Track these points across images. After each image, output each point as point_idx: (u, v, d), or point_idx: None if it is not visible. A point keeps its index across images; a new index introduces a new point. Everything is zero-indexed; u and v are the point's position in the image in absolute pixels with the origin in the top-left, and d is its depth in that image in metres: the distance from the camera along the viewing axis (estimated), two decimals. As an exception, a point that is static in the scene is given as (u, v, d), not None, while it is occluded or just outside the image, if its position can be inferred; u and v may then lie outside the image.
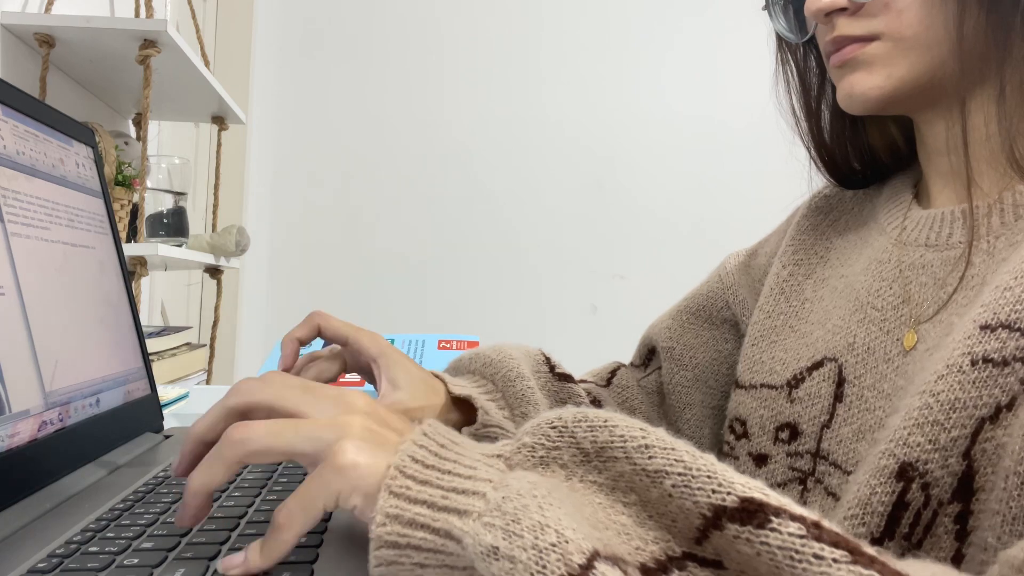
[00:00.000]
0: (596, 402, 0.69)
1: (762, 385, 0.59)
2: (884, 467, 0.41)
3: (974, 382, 0.40)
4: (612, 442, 0.31)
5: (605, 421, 0.32)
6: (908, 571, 0.25)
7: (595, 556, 0.26)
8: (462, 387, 0.58)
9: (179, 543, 0.38)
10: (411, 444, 0.33)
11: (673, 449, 0.29)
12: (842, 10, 0.51)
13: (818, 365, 0.55)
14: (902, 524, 0.41)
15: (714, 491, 0.28)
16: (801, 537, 0.26)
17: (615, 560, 0.27)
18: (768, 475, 0.56)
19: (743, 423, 0.60)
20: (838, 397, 0.52)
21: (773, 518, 0.26)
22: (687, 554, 0.29)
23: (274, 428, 0.34)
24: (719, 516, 0.27)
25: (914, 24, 0.48)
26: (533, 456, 0.33)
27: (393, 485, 0.31)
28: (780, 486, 0.55)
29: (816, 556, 0.25)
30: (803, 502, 0.53)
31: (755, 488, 0.27)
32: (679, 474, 0.29)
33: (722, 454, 0.63)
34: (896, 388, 0.48)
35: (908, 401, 0.43)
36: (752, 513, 0.27)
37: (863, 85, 0.51)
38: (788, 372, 0.57)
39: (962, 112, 0.49)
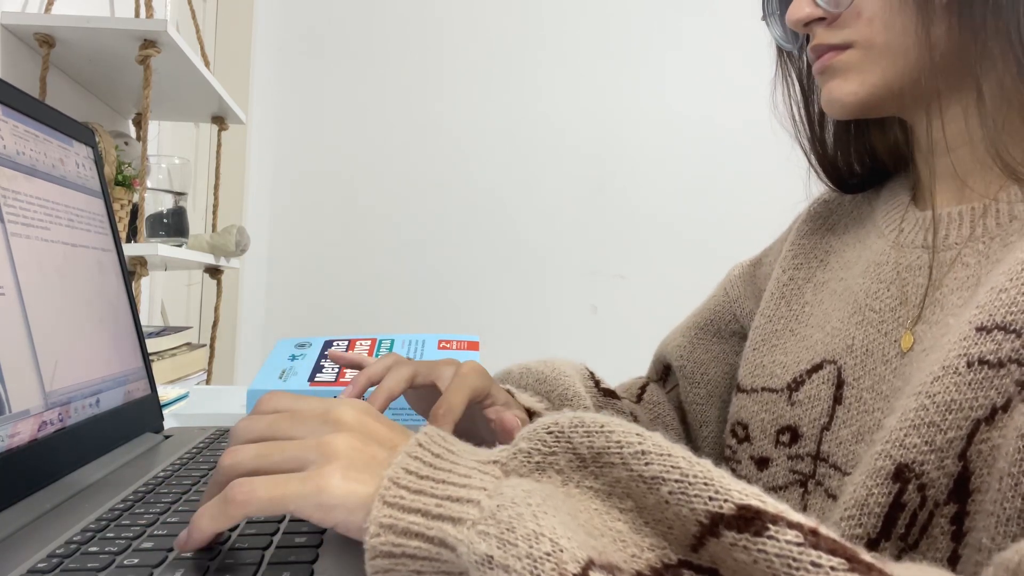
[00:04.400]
0: (633, 418, 0.69)
1: (763, 389, 0.59)
2: (880, 468, 0.41)
3: (970, 384, 0.40)
4: (609, 448, 0.31)
5: (602, 426, 0.32)
6: None
7: (590, 565, 0.26)
8: (528, 401, 0.58)
9: (179, 543, 0.38)
10: (405, 456, 0.33)
11: (670, 455, 0.29)
12: (820, 20, 0.52)
13: (817, 368, 0.55)
14: (898, 525, 0.41)
15: (711, 498, 0.28)
16: (799, 545, 0.25)
17: (610, 568, 0.27)
18: (769, 478, 0.56)
19: (744, 427, 0.60)
20: (837, 399, 0.52)
21: (771, 525, 0.26)
22: (683, 562, 0.29)
23: (277, 485, 0.33)
24: (716, 523, 0.27)
25: (883, 32, 0.49)
26: (529, 462, 0.33)
27: (387, 495, 0.31)
28: (781, 489, 0.55)
29: (814, 564, 0.25)
30: (804, 505, 0.53)
31: (752, 495, 0.27)
32: (676, 480, 0.29)
33: (724, 458, 0.63)
34: (894, 390, 0.48)
35: (904, 402, 0.43)
36: (749, 520, 0.26)
37: (839, 91, 0.52)
38: (788, 375, 0.57)
39: (935, 115, 0.49)
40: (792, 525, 0.26)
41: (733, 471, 0.60)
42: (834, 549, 0.25)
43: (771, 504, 0.27)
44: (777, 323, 0.62)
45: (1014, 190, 0.48)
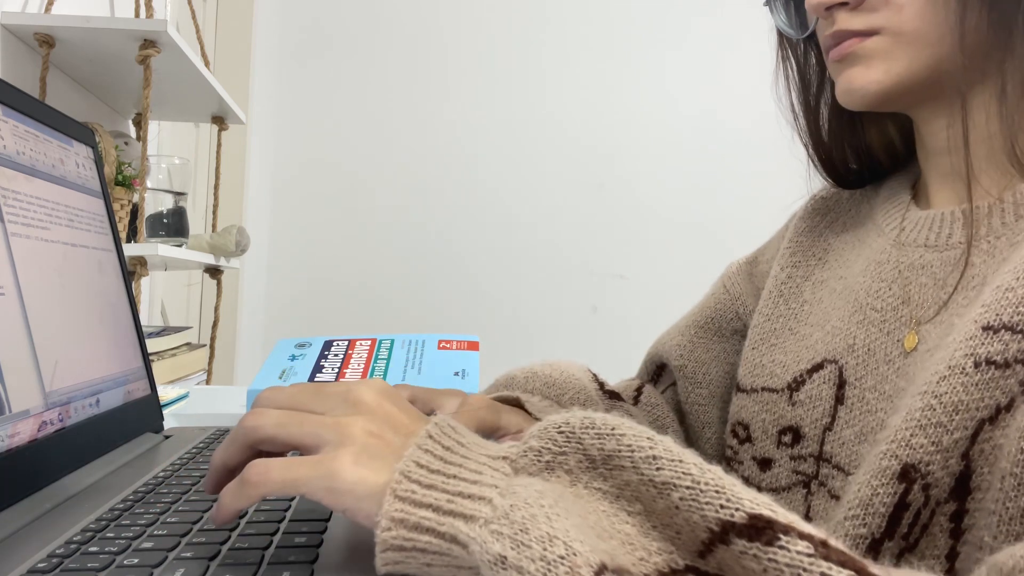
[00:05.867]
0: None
1: (763, 388, 0.59)
2: (886, 468, 0.41)
3: (977, 384, 0.40)
4: (620, 451, 0.31)
5: (613, 429, 0.32)
6: None
7: (603, 570, 0.27)
8: (541, 410, 0.58)
9: (179, 543, 0.38)
10: (415, 448, 0.33)
11: (681, 461, 0.30)
12: (842, 4, 0.51)
13: (818, 367, 0.54)
14: (902, 524, 0.41)
15: (722, 506, 0.28)
16: (809, 556, 0.26)
17: (620, 572, 0.27)
18: (772, 479, 0.56)
19: (746, 427, 0.60)
20: (839, 399, 0.52)
21: (782, 536, 0.26)
22: (690, 567, 0.29)
23: (289, 468, 0.34)
24: (727, 531, 0.27)
25: (914, 19, 0.48)
26: (539, 461, 0.33)
27: (398, 489, 0.32)
28: (784, 490, 0.55)
29: (823, 575, 0.25)
30: (807, 506, 0.53)
31: (763, 504, 0.28)
32: (687, 487, 0.29)
33: (725, 459, 0.63)
34: (897, 389, 0.48)
35: (909, 402, 0.42)
36: (760, 530, 0.27)
37: (862, 79, 0.50)
38: (788, 375, 0.57)
39: (963, 109, 0.48)
40: (803, 536, 0.26)
41: (735, 472, 0.60)
42: (844, 561, 0.25)
43: (782, 514, 0.27)
44: (776, 322, 0.61)
45: (1020, 188, 0.48)
